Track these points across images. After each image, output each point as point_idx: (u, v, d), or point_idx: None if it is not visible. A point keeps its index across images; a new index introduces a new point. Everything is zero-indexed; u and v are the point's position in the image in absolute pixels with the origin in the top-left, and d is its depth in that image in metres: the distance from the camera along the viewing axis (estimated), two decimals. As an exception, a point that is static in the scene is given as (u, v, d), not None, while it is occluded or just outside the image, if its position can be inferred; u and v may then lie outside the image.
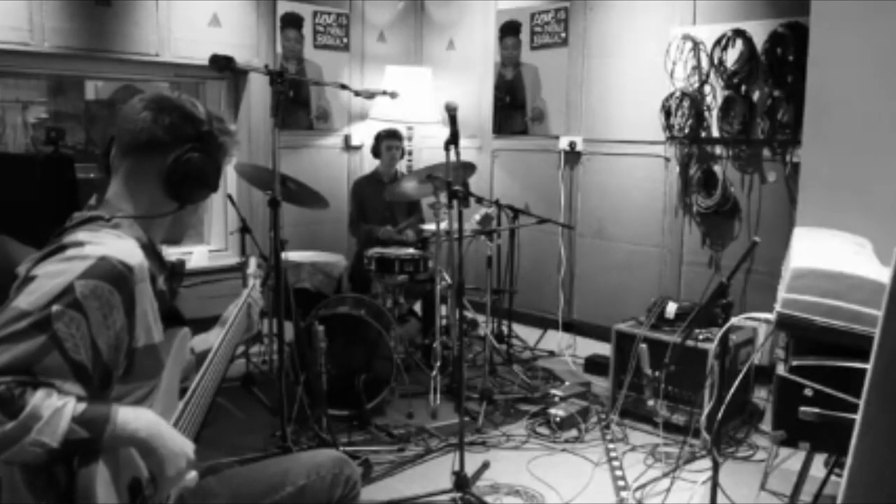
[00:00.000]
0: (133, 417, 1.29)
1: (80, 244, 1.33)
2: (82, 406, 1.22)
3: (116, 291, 1.31)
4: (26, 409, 1.16)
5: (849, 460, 1.26)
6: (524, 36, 5.21)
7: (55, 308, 1.23)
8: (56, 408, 1.18)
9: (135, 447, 1.32)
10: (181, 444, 1.37)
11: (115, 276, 1.31)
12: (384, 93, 3.69)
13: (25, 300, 1.24)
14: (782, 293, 2.13)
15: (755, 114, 4.05)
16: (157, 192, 1.49)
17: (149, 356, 1.40)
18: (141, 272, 1.36)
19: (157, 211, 1.50)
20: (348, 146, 5.57)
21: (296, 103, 5.22)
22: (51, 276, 1.27)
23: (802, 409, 1.98)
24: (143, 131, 1.46)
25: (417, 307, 4.69)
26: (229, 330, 1.73)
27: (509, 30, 5.16)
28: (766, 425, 3.53)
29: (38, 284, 1.26)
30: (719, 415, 2.39)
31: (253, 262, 2.05)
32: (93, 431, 1.22)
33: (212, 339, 1.78)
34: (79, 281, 1.27)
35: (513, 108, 5.30)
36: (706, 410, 3.13)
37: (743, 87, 4.07)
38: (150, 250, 1.48)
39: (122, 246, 1.37)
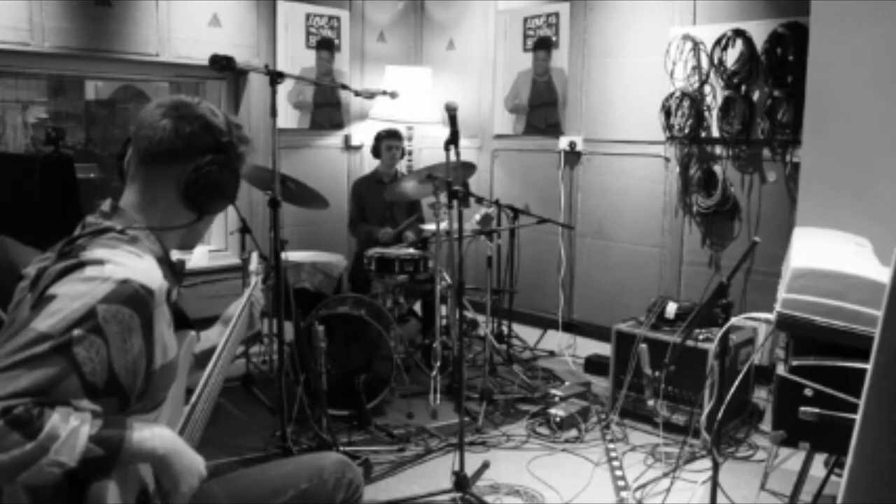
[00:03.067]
0: (149, 435, 1.28)
1: (99, 263, 1.30)
2: (98, 424, 1.21)
3: (137, 316, 1.29)
4: (45, 429, 1.14)
5: (849, 460, 1.26)
6: (519, 37, 5.22)
7: (76, 332, 1.21)
8: (73, 427, 1.17)
9: (151, 464, 1.31)
10: (194, 461, 1.36)
11: (136, 300, 1.29)
12: (384, 93, 3.69)
13: (45, 322, 1.21)
14: (782, 293, 2.13)
15: (755, 114, 4.05)
16: (173, 202, 1.46)
17: (164, 373, 1.39)
18: (160, 295, 1.34)
19: (172, 221, 1.47)
20: (348, 146, 5.57)
21: (329, 105, 5.44)
22: (72, 299, 1.24)
23: (802, 409, 1.98)
24: (163, 141, 1.43)
25: (417, 307, 4.69)
26: (234, 328, 1.72)
27: (542, 45, 5.15)
28: (766, 425, 3.53)
29: (58, 306, 1.23)
30: (719, 415, 2.39)
31: (255, 259, 2.03)
32: (109, 450, 1.21)
33: (213, 336, 1.77)
34: (101, 305, 1.24)
35: (545, 106, 5.21)
36: (706, 410, 3.13)
37: (743, 87, 4.07)
38: (166, 263, 1.46)
39: (142, 267, 1.34)
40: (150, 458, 1.29)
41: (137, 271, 1.32)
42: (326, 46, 5.39)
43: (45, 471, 1.15)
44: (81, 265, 1.30)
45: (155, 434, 1.29)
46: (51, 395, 1.18)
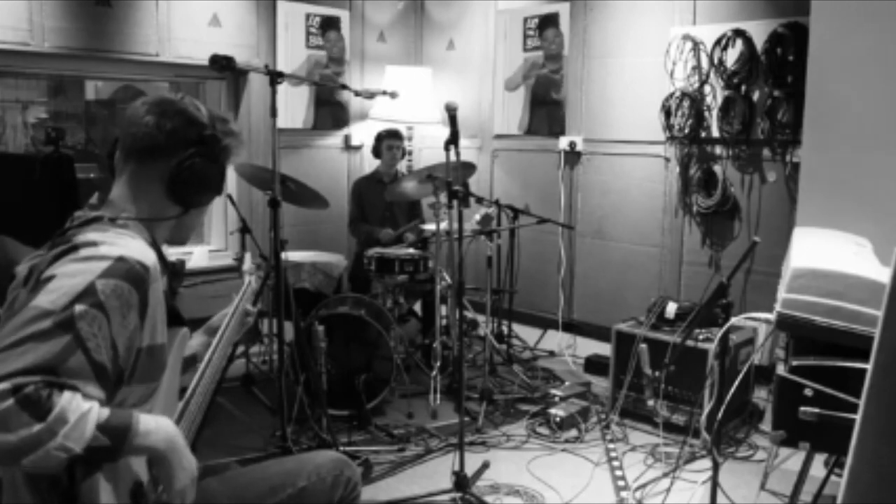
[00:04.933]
0: (154, 428, 1.28)
1: (93, 244, 1.32)
2: (106, 413, 1.20)
3: (135, 291, 1.30)
4: (54, 411, 1.13)
5: (849, 460, 1.26)
6: (519, 37, 5.22)
7: (78, 308, 1.21)
8: (82, 412, 1.16)
9: (151, 457, 1.31)
10: (191, 462, 1.36)
11: (133, 275, 1.30)
12: (384, 93, 3.70)
13: (46, 299, 1.22)
14: (782, 293, 2.13)
15: (755, 114, 4.05)
16: (160, 196, 1.48)
17: (152, 357, 1.39)
18: (155, 272, 1.36)
19: (160, 214, 1.49)
20: (348, 146, 5.57)
21: (330, 103, 5.44)
22: (70, 276, 1.25)
23: (802, 409, 1.98)
24: (146, 136, 1.45)
25: (417, 307, 4.69)
26: (225, 328, 1.72)
27: (547, 23, 4.99)
28: (766, 425, 3.53)
29: (57, 284, 1.24)
30: (719, 415, 2.39)
31: (248, 259, 2.04)
32: (115, 440, 1.21)
33: (194, 345, 1.77)
34: (100, 280, 1.25)
35: (549, 105, 5.11)
36: (706, 410, 3.13)
37: (743, 87, 4.07)
38: (156, 251, 1.47)
39: (136, 246, 1.36)
40: (151, 452, 1.29)
41: (132, 249, 1.34)
42: (332, 26, 5.33)
43: (52, 455, 1.15)
44: (75, 248, 1.31)
45: (160, 427, 1.30)
46: (59, 373, 1.17)
